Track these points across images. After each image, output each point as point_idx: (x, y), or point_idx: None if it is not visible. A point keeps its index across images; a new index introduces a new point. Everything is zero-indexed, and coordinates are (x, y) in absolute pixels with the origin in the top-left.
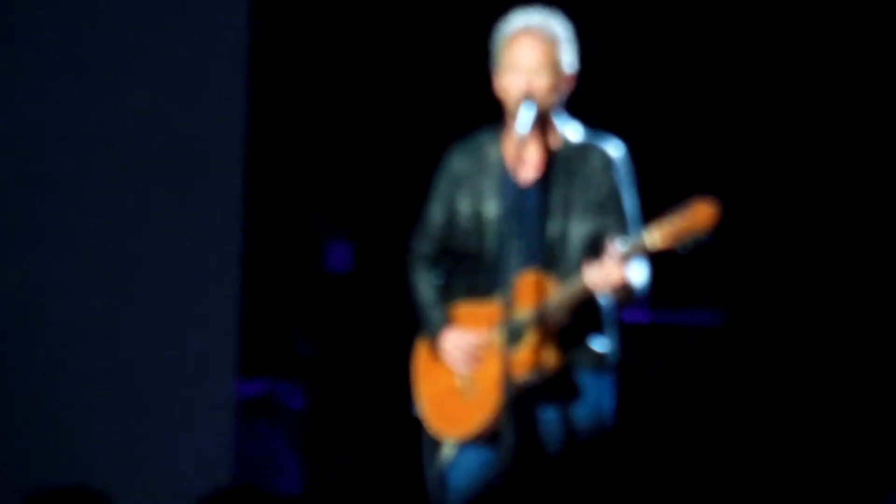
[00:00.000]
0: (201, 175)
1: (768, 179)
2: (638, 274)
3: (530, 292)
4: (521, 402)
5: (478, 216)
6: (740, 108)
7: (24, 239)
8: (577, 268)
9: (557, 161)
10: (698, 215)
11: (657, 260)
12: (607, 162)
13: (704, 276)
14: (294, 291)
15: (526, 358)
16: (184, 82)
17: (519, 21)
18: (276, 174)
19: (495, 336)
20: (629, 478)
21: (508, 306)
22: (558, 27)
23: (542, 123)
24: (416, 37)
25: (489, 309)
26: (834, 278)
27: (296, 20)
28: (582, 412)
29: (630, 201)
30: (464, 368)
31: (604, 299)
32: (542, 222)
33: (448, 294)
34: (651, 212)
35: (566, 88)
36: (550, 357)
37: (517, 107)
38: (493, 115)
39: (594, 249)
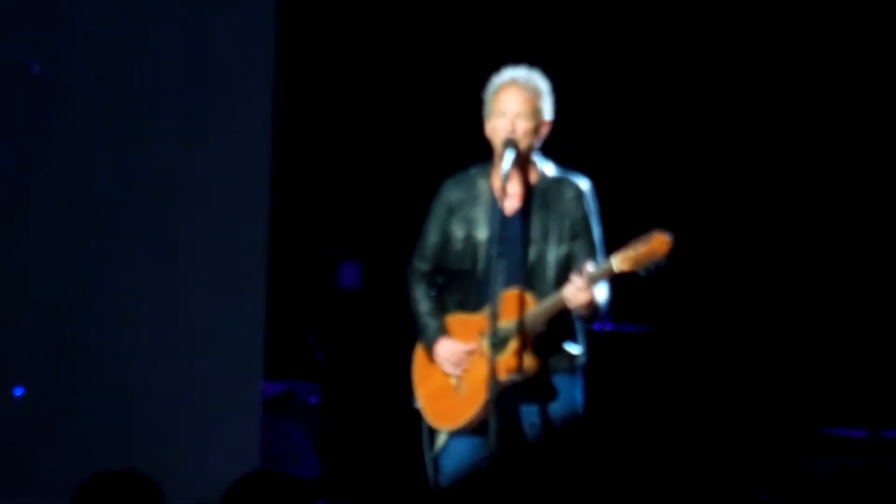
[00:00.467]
0: (235, 211)
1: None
2: (602, 293)
3: (513, 306)
4: (504, 399)
5: (470, 239)
6: (683, 152)
7: (95, 263)
8: (553, 286)
9: (536, 193)
10: (656, 244)
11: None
12: (579, 193)
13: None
14: (312, 305)
15: (509, 362)
16: (217, 128)
17: (507, 75)
18: (297, 208)
19: (483, 343)
20: (597, 461)
21: (494, 318)
22: (540, 81)
23: (524, 161)
24: (415, 86)
25: (478, 320)
26: (729, 302)
27: (315, 79)
28: (557, 408)
29: (597, 227)
30: (455, 372)
31: (574, 314)
32: (524, 247)
33: (441, 306)
34: (611, 236)
35: (545, 132)
36: (530, 361)
37: (503, 147)
38: (484, 153)
39: (567, 269)
